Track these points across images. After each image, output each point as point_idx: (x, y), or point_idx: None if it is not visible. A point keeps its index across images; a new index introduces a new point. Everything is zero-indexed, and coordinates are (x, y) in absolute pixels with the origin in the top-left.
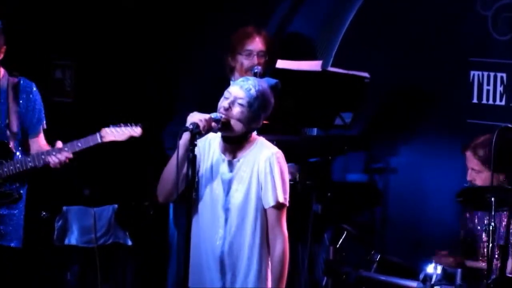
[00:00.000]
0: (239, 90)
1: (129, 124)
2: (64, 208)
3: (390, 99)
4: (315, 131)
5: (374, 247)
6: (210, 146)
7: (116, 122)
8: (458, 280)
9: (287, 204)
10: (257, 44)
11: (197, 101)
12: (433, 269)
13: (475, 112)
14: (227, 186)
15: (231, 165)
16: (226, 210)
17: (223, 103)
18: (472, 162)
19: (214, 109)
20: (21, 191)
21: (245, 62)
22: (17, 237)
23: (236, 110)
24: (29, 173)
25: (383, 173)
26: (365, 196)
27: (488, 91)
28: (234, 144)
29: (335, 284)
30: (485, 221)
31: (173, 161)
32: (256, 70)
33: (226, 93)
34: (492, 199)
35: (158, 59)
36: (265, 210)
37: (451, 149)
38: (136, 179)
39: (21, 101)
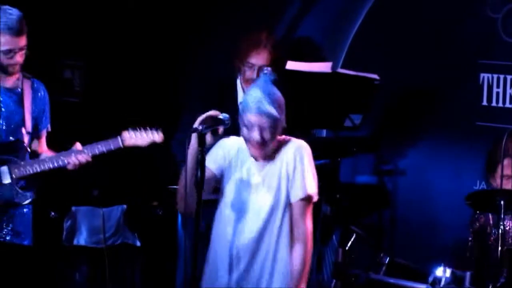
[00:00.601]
0: (259, 117)
1: (149, 129)
2: (73, 208)
3: (400, 101)
4: (324, 132)
5: (383, 250)
6: (239, 152)
7: (131, 124)
8: (467, 283)
9: (316, 199)
10: (261, 58)
11: (203, 104)
12: (442, 272)
13: (484, 115)
14: (257, 189)
15: (260, 167)
16: (256, 212)
17: (251, 134)
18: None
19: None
20: (33, 193)
21: (247, 72)
22: (28, 235)
23: (267, 135)
24: (42, 175)
25: (392, 175)
26: (374, 198)
27: (497, 93)
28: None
29: (344, 287)
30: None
31: (185, 173)
32: (265, 72)
33: (246, 122)
34: (502, 202)
35: (166, 60)
36: (291, 205)
37: (460, 151)
38: (145, 179)
39: (33, 102)
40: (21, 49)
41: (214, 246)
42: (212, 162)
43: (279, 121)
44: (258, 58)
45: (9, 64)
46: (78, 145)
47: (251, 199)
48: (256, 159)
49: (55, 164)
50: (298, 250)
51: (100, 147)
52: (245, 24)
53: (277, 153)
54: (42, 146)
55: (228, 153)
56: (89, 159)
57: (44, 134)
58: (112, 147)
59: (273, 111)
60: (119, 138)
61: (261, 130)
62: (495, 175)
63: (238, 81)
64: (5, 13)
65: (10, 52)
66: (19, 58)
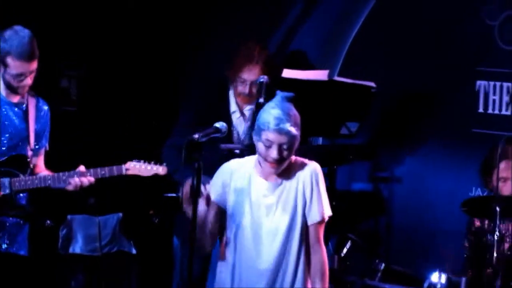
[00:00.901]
0: (278, 136)
1: (153, 163)
2: (69, 216)
3: (396, 108)
4: (320, 140)
5: (379, 256)
6: (244, 170)
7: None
8: None
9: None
10: (252, 74)
11: (197, 111)
12: (437, 278)
13: (481, 122)
14: (271, 209)
15: (273, 187)
16: (273, 234)
17: (269, 152)
18: (507, 171)
19: (212, 120)
20: (29, 207)
21: (239, 87)
22: (24, 245)
23: (285, 153)
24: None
25: (388, 182)
26: (370, 205)
27: (494, 100)
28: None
29: None
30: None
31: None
32: (262, 80)
33: (264, 140)
34: (497, 208)
35: (161, 69)
36: (307, 226)
37: (456, 158)
38: (140, 187)
39: (37, 121)
40: (31, 72)
41: (229, 269)
42: (214, 195)
43: (297, 139)
44: (250, 74)
45: (19, 87)
46: (82, 168)
47: (266, 220)
48: (266, 179)
49: (56, 184)
50: (318, 267)
51: (104, 172)
52: (244, 27)
53: (291, 173)
54: (40, 165)
55: (229, 178)
56: (92, 181)
57: (42, 153)
58: (115, 173)
59: (292, 129)
60: (123, 166)
61: (279, 148)
62: (491, 178)
63: (231, 92)
64: (17, 36)
65: (21, 76)
66: (30, 80)
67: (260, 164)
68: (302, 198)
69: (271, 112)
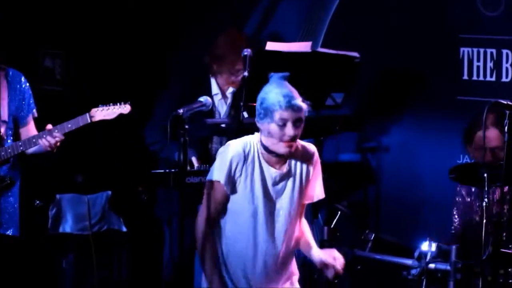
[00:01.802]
0: (292, 112)
1: (118, 103)
2: (58, 196)
3: (381, 78)
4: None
5: (369, 227)
6: (248, 158)
7: (117, 126)
8: (453, 257)
9: None
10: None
11: (177, 95)
12: (427, 246)
13: (465, 89)
14: (280, 196)
15: (282, 176)
16: (281, 218)
17: (285, 131)
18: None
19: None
20: (14, 178)
21: (232, 77)
22: (13, 225)
23: (299, 131)
24: (21, 159)
25: (375, 152)
26: (358, 175)
27: (478, 67)
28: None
29: None
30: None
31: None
32: (245, 53)
33: (277, 120)
34: (485, 175)
35: (147, 48)
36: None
37: (442, 126)
38: (128, 164)
39: (10, 92)
40: None
41: (231, 254)
42: (223, 177)
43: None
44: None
45: None
46: (49, 126)
47: (277, 207)
48: (274, 167)
49: (27, 147)
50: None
51: (70, 126)
52: (221, 9)
53: (296, 158)
54: (31, 133)
55: (242, 163)
56: (62, 137)
57: (30, 121)
58: (81, 123)
59: (303, 104)
60: (87, 114)
61: (295, 124)
62: (472, 145)
63: (213, 80)
64: None
65: None
66: None
67: (266, 150)
68: (306, 181)
69: (277, 92)
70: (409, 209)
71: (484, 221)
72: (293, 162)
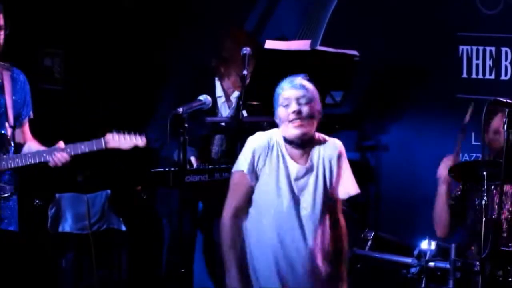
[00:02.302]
0: (297, 91)
1: (133, 133)
2: (57, 195)
3: (380, 77)
4: None
5: (368, 225)
6: (273, 151)
7: (117, 126)
8: (453, 255)
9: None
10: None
11: (180, 93)
12: (427, 245)
13: (464, 87)
14: (304, 192)
15: (305, 171)
16: (301, 214)
17: (289, 109)
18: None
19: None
20: (14, 187)
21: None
22: (14, 221)
23: (305, 108)
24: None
25: (374, 150)
26: (357, 174)
27: (477, 65)
28: (307, 146)
29: None
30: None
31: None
32: (245, 52)
33: (282, 101)
34: (484, 173)
35: (146, 47)
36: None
37: (442, 124)
38: (128, 164)
39: (15, 93)
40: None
41: (257, 253)
42: (247, 167)
43: (315, 97)
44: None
45: None
46: (61, 144)
47: (300, 202)
48: (297, 161)
49: (37, 160)
50: (343, 236)
51: (83, 148)
52: (222, 7)
53: (318, 153)
54: (26, 135)
55: (265, 154)
56: (69, 158)
57: (26, 123)
58: (95, 148)
59: (307, 83)
60: (102, 140)
61: (298, 102)
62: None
63: (218, 83)
64: None
65: None
66: (0, 39)
67: (286, 141)
68: (330, 176)
69: (284, 80)
70: (409, 208)
71: (484, 219)
72: (315, 156)
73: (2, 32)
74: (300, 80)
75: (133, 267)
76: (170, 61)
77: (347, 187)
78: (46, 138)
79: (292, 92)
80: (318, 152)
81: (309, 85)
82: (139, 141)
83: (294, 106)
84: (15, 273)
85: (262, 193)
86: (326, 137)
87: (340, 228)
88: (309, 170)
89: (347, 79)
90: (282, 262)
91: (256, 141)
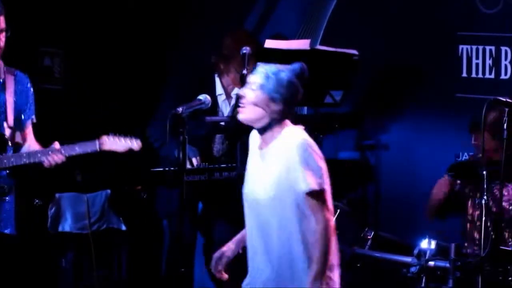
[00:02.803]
0: (253, 76)
1: (128, 136)
2: (57, 195)
3: (380, 76)
4: (305, 109)
5: (368, 224)
6: (252, 142)
7: (116, 126)
8: (452, 254)
9: (323, 188)
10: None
11: (181, 91)
12: (427, 244)
13: (464, 86)
14: (260, 178)
15: (262, 156)
16: (259, 203)
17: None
18: (489, 143)
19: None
20: (11, 187)
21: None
22: (11, 224)
23: (250, 94)
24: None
25: (374, 149)
26: (357, 173)
27: (477, 64)
28: (265, 133)
29: None
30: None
31: None
32: (245, 51)
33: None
34: (484, 172)
35: (146, 47)
36: (303, 198)
37: (441, 123)
38: (128, 163)
39: (16, 94)
40: (1, 31)
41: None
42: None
43: (269, 92)
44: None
45: None
46: (56, 145)
47: (258, 190)
48: (260, 148)
49: (31, 160)
50: (315, 233)
51: (77, 149)
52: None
53: (279, 142)
54: (28, 138)
55: (249, 144)
56: (64, 159)
57: (29, 125)
58: (89, 150)
59: (266, 76)
60: (97, 142)
61: (250, 87)
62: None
63: (217, 79)
64: None
65: None
66: (1, 41)
67: (257, 131)
68: (286, 168)
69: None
70: (409, 207)
71: (484, 218)
72: (273, 148)
73: (3, 34)
74: (268, 68)
75: (133, 266)
76: (170, 61)
77: (301, 183)
78: (46, 137)
79: (252, 78)
80: (279, 141)
81: (273, 74)
82: (134, 144)
83: (242, 92)
84: (12, 276)
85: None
86: (296, 130)
87: (310, 229)
88: (266, 156)
89: (346, 78)
90: (251, 265)
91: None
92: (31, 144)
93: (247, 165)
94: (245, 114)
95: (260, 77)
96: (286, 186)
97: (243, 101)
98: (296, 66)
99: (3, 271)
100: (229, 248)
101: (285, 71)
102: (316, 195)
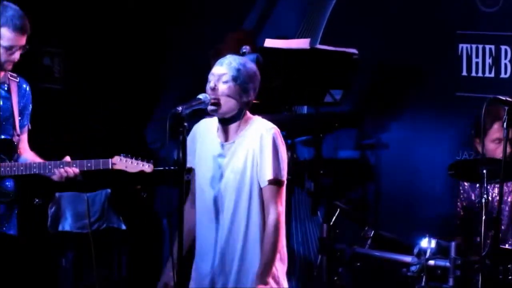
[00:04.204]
0: (221, 68)
1: (140, 159)
2: (57, 194)
3: (380, 75)
4: (305, 109)
5: (368, 223)
6: (207, 131)
7: (103, 118)
8: (453, 253)
9: (284, 181)
10: None
11: (181, 90)
12: (427, 243)
13: (464, 85)
14: (223, 169)
15: (226, 147)
16: (222, 194)
17: (209, 84)
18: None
19: None
20: (17, 195)
21: None
22: (13, 224)
23: (222, 87)
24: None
25: (374, 149)
26: (357, 172)
27: (477, 63)
28: (230, 124)
29: (330, 262)
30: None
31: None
32: (244, 50)
33: (210, 77)
34: (484, 171)
35: (146, 43)
36: (261, 189)
37: (441, 122)
38: None
39: (20, 100)
40: (21, 47)
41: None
42: (190, 155)
43: (242, 83)
44: None
45: (7, 61)
46: (67, 158)
47: (221, 180)
48: (222, 139)
49: (41, 171)
50: (267, 227)
51: (90, 165)
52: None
53: (246, 132)
54: (23, 145)
55: (195, 135)
56: (77, 172)
57: (25, 132)
58: (101, 167)
59: (236, 68)
60: (110, 161)
61: (219, 79)
62: (485, 139)
63: None
64: (10, 8)
65: (12, 49)
66: (18, 56)
67: (219, 122)
68: (251, 159)
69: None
70: (408, 206)
71: (484, 217)
72: (243, 137)
73: (21, 51)
74: (232, 58)
75: (133, 266)
76: (170, 61)
77: (264, 173)
78: (46, 137)
79: (218, 69)
80: (246, 132)
81: (241, 66)
82: (147, 167)
83: (212, 83)
84: (12, 276)
85: (196, 173)
86: (264, 121)
87: (267, 221)
88: (231, 146)
89: (346, 77)
90: (211, 259)
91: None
92: (26, 151)
93: (197, 156)
94: (219, 107)
95: (229, 68)
96: (249, 176)
97: (215, 93)
98: (253, 57)
99: (3, 271)
100: (168, 276)
101: (249, 62)
102: (277, 185)
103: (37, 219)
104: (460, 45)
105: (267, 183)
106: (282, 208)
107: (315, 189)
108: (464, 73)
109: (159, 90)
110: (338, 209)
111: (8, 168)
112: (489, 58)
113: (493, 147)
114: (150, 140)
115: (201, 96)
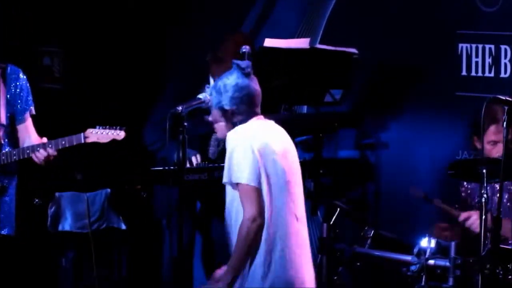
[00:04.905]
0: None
1: (113, 128)
2: (57, 194)
3: (379, 75)
4: (305, 108)
5: (368, 223)
6: None
7: (103, 118)
8: (452, 253)
9: (242, 183)
10: None
11: (177, 95)
12: (427, 242)
13: (464, 85)
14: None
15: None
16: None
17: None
18: (498, 134)
19: None
20: (6, 181)
21: None
22: (9, 224)
23: (211, 116)
24: (17, 164)
25: (374, 148)
26: (357, 172)
27: (476, 63)
28: None
29: (330, 262)
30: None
31: None
32: (244, 50)
33: None
34: (484, 170)
35: (146, 46)
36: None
37: (441, 122)
38: (127, 162)
39: (9, 89)
40: None
41: None
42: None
43: (217, 104)
44: None
45: None
46: (44, 140)
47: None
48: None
49: (20, 157)
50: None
51: (64, 142)
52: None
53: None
54: (30, 131)
55: None
56: (54, 153)
57: (27, 118)
58: (74, 142)
59: (213, 94)
60: (82, 134)
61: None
62: (483, 138)
63: (212, 80)
64: None
65: None
66: None
67: None
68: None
69: None
70: (408, 205)
71: (483, 216)
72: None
73: None
74: (213, 85)
75: (133, 265)
76: (170, 62)
77: (224, 175)
78: (45, 137)
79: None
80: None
81: (212, 89)
82: (118, 135)
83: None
84: (12, 276)
85: None
86: (244, 125)
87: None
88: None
89: (346, 77)
90: None
91: None
92: (32, 138)
93: None
94: (219, 133)
95: (210, 98)
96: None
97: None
98: (243, 65)
99: (3, 271)
100: None
101: (223, 78)
102: (240, 189)
103: (37, 219)
104: (460, 45)
105: (230, 187)
106: (252, 212)
107: (315, 188)
108: (464, 72)
109: (159, 90)
110: (338, 209)
111: None
112: (489, 57)
113: (489, 148)
114: (148, 142)
115: (201, 96)
